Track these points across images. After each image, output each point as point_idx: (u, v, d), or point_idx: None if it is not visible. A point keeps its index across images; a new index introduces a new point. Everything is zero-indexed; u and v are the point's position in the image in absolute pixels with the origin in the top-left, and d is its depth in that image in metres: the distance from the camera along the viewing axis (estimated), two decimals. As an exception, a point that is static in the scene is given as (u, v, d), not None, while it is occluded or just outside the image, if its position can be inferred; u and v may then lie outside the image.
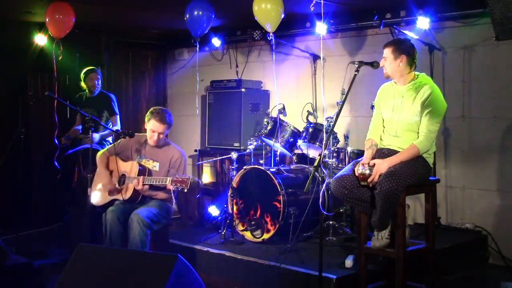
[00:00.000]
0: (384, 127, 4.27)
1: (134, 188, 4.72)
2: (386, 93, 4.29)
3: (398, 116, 4.15)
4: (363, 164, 4.03)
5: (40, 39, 6.47)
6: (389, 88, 4.29)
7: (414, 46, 4.19)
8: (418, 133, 4.08)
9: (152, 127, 4.83)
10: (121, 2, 5.78)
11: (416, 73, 4.19)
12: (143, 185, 4.66)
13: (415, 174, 3.98)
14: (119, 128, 6.21)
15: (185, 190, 4.49)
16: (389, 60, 4.13)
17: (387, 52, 4.15)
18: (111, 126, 6.12)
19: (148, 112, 4.90)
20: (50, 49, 6.21)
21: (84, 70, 6.32)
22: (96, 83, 6.28)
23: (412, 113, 4.07)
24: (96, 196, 4.94)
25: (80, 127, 6.39)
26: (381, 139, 4.27)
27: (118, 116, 6.32)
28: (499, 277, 4.81)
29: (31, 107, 6.91)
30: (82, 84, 6.30)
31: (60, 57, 5.89)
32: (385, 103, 4.26)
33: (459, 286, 4.86)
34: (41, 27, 6.49)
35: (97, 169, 5.04)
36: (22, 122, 5.72)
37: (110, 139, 6.21)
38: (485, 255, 5.40)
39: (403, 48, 4.13)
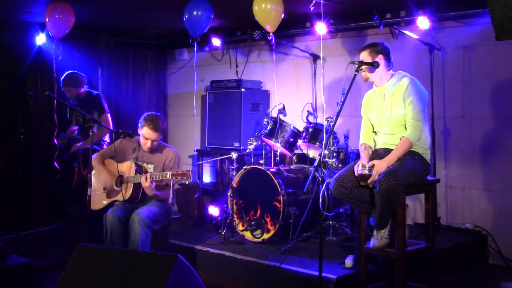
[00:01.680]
0: (375, 131, 4.34)
1: (134, 187, 4.72)
2: (369, 100, 4.39)
3: (384, 115, 4.22)
4: (362, 165, 4.04)
5: (40, 39, 6.47)
6: (371, 94, 4.40)
7: (387, 47, 4.30)
8: None
9: (145, 134, 4.82)
10: (121, 2, 5.77)
11: (393, 72, 4.30)
12: (151, 181, 4.65)
13: (413, 172, 4.02)
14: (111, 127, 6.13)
15: (186, 182, 4.50)
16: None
17: (364, 55, 4.25)
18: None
19: (141, 118, 4.87)
20: (50, 49, 6.21)
21: None
22: (71, 94, 6.07)
23: (397, 107, 4.15)
24: (96, 201, 4.94)
25: (76, 127, 6.36)
26: (374, 141, 4.33)
27: (109, 114, 6.12)
28: (499, 277, 4.82)
29: (31, 107, 6.90)
30: None
31: (60, 57, 5.88)
32: (370, 108, 4.35)
33: (459, 286, 4.86)
34: (41, 27, 6.49)
35: (93, 173, 5.03)
36: (22, 122, 5.72)
37: (107, 138, 6.19)
38: (485, 255, 5.40)
39: (378, 49, 4.24)
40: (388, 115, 4.19)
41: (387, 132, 4.22)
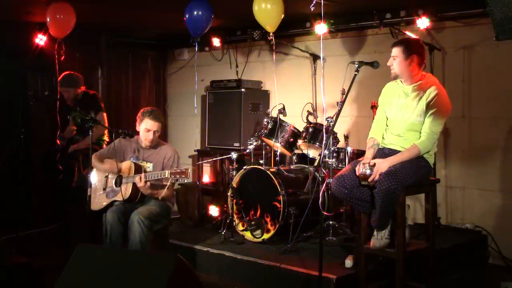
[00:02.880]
0: (387, 126, 4.26)
1: (133, 187, 4.71)
2: (391, 92, 4.26)
3: (402, 116, 4.13)
4: (363, 164, 4.02)
5: (40, 39, 6.47)
6: (394, 86, 4.26)
7: (423, 46, 4.17)
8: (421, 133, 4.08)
9: (147, 126, 4.83)
10: (121, 2, 5.77)
11: (423, 72, 4.17)
12: (145, 181, 4.65)
13: (415, 173, 3.98)
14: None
15: (185, 180, 4.51)
16: (399, 60, 4.09)
17: (397, 51, 4.09)
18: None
19: (139, 114, 4.90)
20: (50, 49, 6.20)
21: None
22: (68, 95, 6.01)
23: (416, 113, 4.05)
24: (96, 201, 4.93)
25: (74, 127, 6.32)
26: (383, 138, 4.26)
27: (105, 114, 6.10)
28: (499, 277, 4.82)
29: (31, 107, 6.90)
30: None
31: (63, 57, 5.87)
32: (390, 101, 4.23)
33: (459, 286, 4.86)
34: (41, 27, 6.48)
35: (92, 173, 5.03)
36: (22, 122, 5.72)
37: (106, 138, 6.17)
38: (485, 255, 5.40)
39: (414, 47, 4.09)
40: (407, 118, 4.09)
41: (398, 133, 4.15)
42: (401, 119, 4.14)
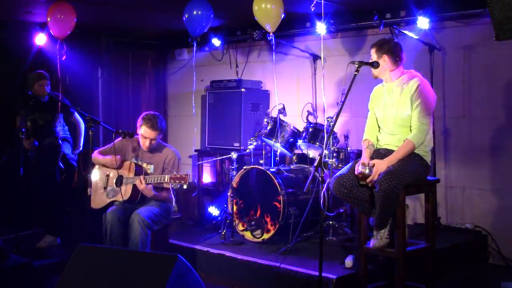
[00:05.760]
0: (379, 127, 4.32)
1: (134, 188, 4.71)
2: (377, 94, 4.37)
3: (390, 113, 4.21)
4: (362, 164, 4.04)
5: (40, 39, 6.47)
6: (380, 88, 4.37)
7: (397, 44, 4.26)
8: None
9: (144, 133, 4.83)
10: (121, 2, 5.77)
11: (404, 70, 4.26)
12: (146, 184, 4.65)
13: (413, 172, 4.01)
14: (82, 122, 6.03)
15: (184, 187, 4.49)
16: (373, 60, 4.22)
17: (372, 52, 4.26)
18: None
19: (140, 118, 4.89)
20: (51, 49, 6.19)
21: (32, 75, 5.94)
22: (47, 89, 5.90)
23: (403, 107, 4.13)
24: (95, 200, 4.93)
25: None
26: (377, 139, 4.31)
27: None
28: (499, 277, 4.81)
29: (31, 107, 6.88)
30: (35, 88, 5.89)
31: (64, 57, 5.86)
32: (377, 103, 4.33)
33: (459, 286, 4.86)
34: (41, 27, 6.47)
35: (93, 171, 5.03)
36: (22, 122, 5.71)
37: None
38: (485, 255, 5.40)
39: (385, 48, 4.20)
40: (394, 114, 4.17)
41: (390, 132, 4.21)
42: (390, 116, 4.21)
